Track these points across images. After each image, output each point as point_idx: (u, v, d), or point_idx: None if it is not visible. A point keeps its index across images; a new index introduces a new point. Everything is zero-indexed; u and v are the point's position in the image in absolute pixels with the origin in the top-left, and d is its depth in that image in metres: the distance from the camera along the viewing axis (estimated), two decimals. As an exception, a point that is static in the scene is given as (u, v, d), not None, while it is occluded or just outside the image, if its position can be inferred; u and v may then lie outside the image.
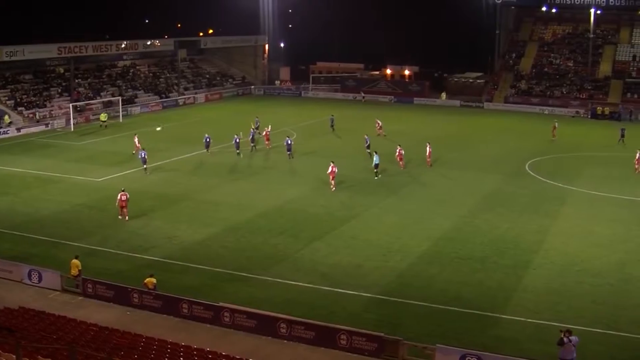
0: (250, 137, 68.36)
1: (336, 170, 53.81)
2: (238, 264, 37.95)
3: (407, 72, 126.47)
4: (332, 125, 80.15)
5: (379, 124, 77.49)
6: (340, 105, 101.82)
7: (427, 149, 62.10)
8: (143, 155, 59.16)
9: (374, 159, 57.29)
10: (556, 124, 77.40)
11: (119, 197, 46.19)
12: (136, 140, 66.34)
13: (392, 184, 55.58)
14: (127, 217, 45.93)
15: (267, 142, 69.00)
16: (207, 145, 66.35)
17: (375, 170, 57.36)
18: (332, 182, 53.73)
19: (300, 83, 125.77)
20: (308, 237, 42.48)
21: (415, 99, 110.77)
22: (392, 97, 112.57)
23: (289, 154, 64.62)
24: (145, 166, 58.93)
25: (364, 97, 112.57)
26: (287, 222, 45.51)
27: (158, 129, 76.60)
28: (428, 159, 61.86)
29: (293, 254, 39.65)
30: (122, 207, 46.12)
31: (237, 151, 65.48)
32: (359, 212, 48.04)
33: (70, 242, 41.14)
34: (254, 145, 68.02)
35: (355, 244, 41.38)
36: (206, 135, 66.88)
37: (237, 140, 65.84)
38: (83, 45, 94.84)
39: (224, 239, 42.19)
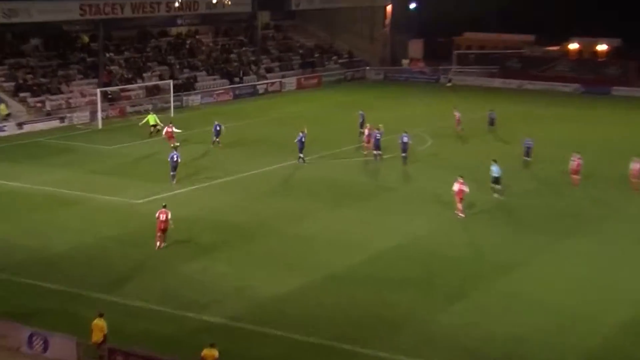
0: (374, 142, 69.49)
1: (466, 190, 54.03)
2: (339, 331, 37.95)
3: (602, 48, 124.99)
4: (491, 124, 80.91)
5: (457, 116, 79.97)
6: (499, 97, 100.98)
7: (633, 165, 60.92)
8: (175, 159, 60.86)
9: (493, 169, 58.44)
10: None
11: (157, 216, 47.53)
12: (173, 128, 70.70)
13: (576, 216, 55.03)
14: (163, 244, 47.42)
15: (366, 145, 70.48)
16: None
17: (493, 185, 58.18)
18: (459, 205, 54.15)
19: (439, 64, 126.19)
20: (445, 294, 42.29)
21: (613, 88, 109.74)
22: (578, 85, 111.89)
23: (403, 157, 67.39)
24: (173, 173, 60.81)
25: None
26: (413, 271, 45.40)
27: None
28: (633, 180, 60.79)
29: (422, 318, 39.50)
30: (160, 230, 47.43)
31: (300, 155, 67.59)
32: (525, 256, 47.58)
33: (93, 292, 41.68)
34: (380, 154, 69.06)
35: (516, 307, 40.94)
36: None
37: (302, 140, 67.35)
38: (117, 3, 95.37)
39: (319, 294, 42.35)
